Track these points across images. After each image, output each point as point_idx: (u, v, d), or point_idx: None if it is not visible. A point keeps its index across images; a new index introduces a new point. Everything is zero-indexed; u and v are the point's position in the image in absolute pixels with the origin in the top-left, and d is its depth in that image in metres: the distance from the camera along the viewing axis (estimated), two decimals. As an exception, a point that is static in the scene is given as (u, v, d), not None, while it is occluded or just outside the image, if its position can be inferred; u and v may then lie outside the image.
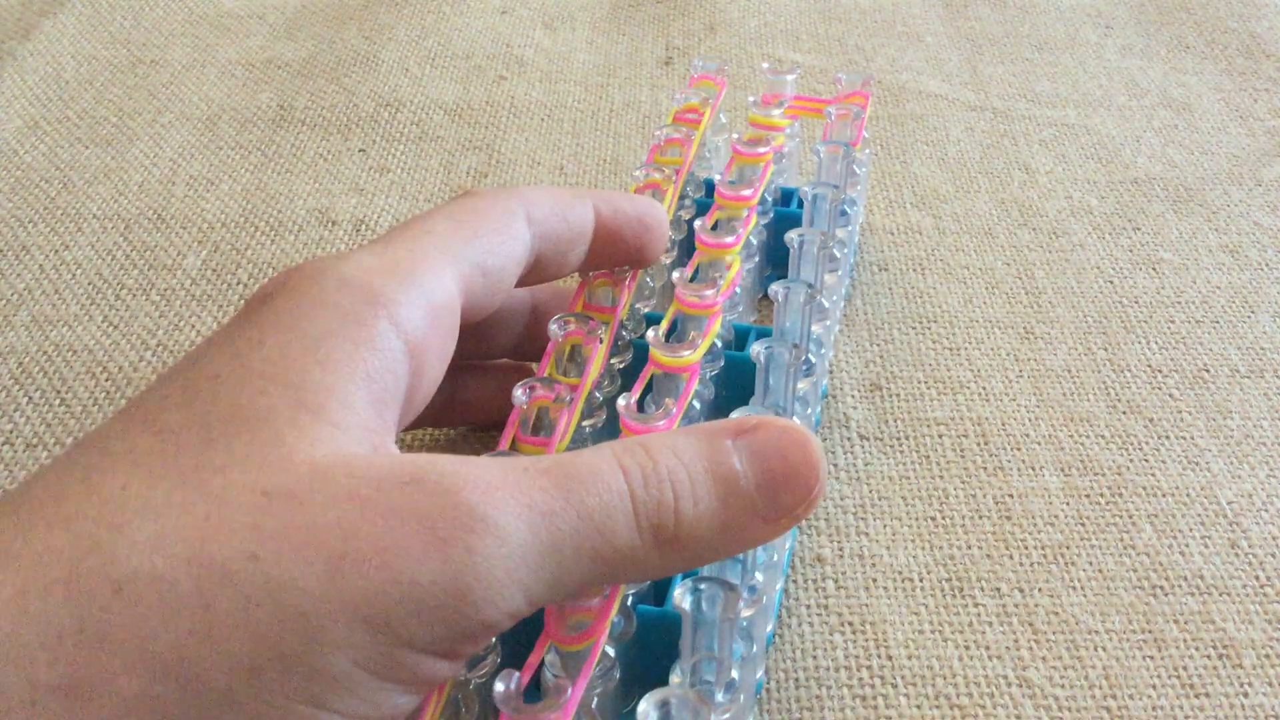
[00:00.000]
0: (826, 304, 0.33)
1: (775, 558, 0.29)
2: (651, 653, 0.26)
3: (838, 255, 0.36)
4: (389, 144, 0.50)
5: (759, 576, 0.27)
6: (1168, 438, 0.36)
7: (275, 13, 0.60)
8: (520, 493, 0.20)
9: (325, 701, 0.19)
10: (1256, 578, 0.31)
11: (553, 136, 0.51)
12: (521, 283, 0.29)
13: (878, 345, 0.39)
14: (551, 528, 0.20)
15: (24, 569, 0.18)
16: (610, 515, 0.21)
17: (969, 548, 0.32)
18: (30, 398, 0.37)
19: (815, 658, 0.29)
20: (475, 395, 0.33)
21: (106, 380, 0.38)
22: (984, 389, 0.37)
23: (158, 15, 0.60)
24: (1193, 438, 0.36)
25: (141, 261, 0.43)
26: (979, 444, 0.35)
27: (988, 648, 0.30)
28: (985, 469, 0.35)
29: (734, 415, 0.26)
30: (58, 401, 0.37)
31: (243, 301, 0.41)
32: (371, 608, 0.19)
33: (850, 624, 0.30)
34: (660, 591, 0.27)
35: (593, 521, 0.21)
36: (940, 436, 0.36)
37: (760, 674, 0.28)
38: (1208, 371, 0.38)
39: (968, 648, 0.30)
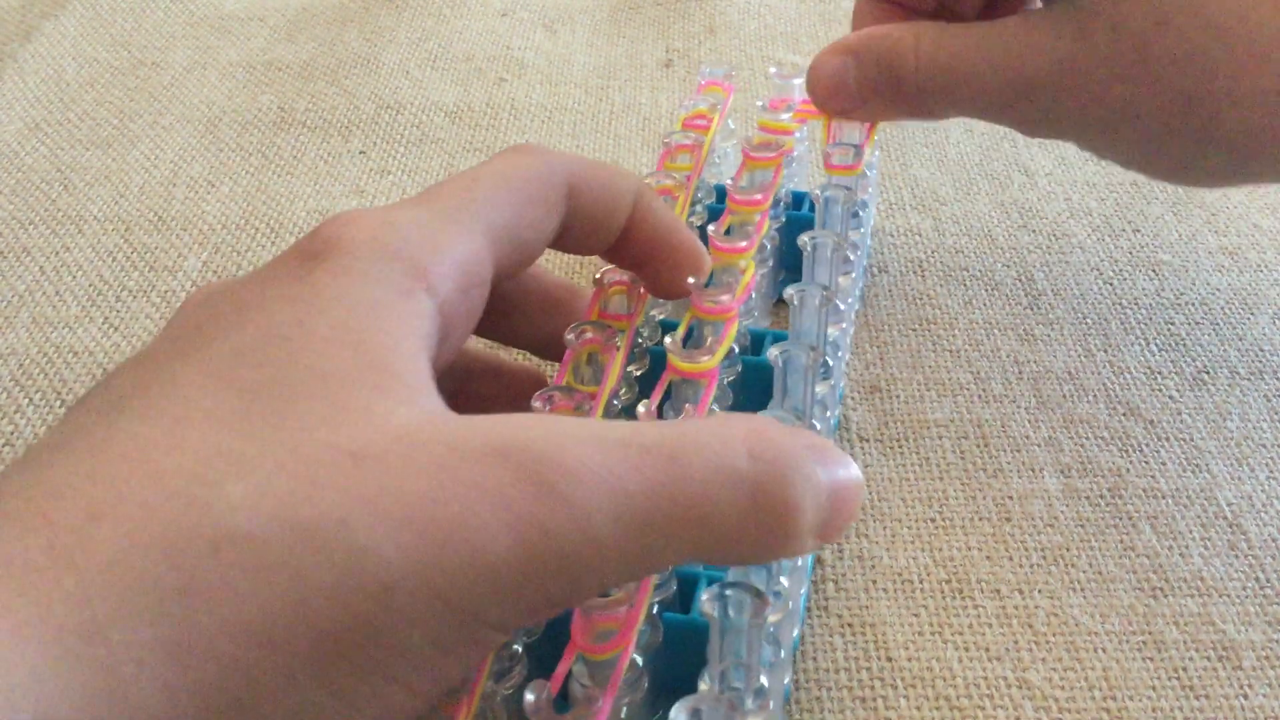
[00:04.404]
0: (842, 306, 0.33)
1: (800, 561, 0.29)
2: (678, 661, 0.26)
3: (851, 258, 0.36)
4: (389, 146, 0.50)
5: (784, 581, 0.26)
6: (1167, 439, 0.36)
7: (276, 15, 0.60)
8: (612, 475, 0.20)
9: (395, 673, 0.19)
10: (1256, 579, 0.31)
11: (553, 139, 0.51)
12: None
13: (878, 347, 0.39)
14: (646, 510, 0.20)
15: (122, 526, 0.18)
16: (716, 504, 0.20)
17: (969, 549, 0.32)
18: (31, 399, 0.37)
19: (815, 659, 0.29)
20: (493, 405, 0.33)
21: (107, 382, 0.38)
22: (984, 391, 0.37)
23: (158, 18, 0.60)
24: (1192, 439, 0.36)
25: (142, 263, 0.43)
26: (979, 446, 0.35)
27: (987, 649, 0.30)
28: (985, 471, 0.35)
29: (760, 415, 0.25)
30: (58, 403, 0.37)
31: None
32: (451, 586, 0.19)
33: (850, 625, 0.30)
34: (686, 599, 0.27)
35: (694, 509, 0.20)
36: (940, 438, 0.36)
37: (788, 680, 0.28)
38: (1207, 373, 0.38)
39: (967, 649, 0.30)
